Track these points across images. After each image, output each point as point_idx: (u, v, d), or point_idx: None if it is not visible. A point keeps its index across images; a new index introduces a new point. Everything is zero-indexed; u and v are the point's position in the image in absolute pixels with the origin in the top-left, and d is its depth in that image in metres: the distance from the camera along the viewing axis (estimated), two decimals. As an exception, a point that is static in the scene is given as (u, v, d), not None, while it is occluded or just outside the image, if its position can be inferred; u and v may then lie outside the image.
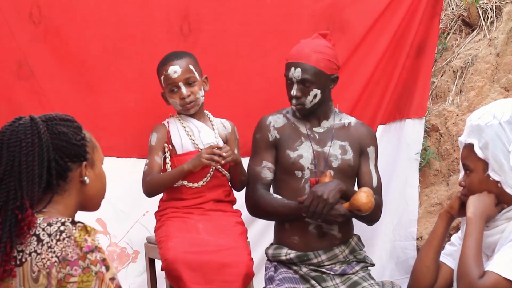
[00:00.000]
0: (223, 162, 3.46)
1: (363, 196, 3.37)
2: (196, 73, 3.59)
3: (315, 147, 3.54)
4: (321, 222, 3.45)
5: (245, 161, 3.86)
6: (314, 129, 3.58)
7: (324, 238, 3.52)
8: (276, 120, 3.60)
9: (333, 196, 3.36)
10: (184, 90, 3.56)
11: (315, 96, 3.50)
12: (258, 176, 3.55)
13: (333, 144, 3.55)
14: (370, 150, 3.61)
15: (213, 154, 3.44)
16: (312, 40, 3.58)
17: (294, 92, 3.49)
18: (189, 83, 3.57)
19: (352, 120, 3.65)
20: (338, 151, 3.54)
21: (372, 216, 3.51)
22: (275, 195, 3.52)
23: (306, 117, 3.59)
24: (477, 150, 2.84)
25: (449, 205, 3.01)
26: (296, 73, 3.48)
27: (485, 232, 2.85)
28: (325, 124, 3.59)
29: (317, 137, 3.56)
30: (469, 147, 2.88)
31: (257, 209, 3.55)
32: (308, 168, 3.51)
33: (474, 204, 2.86)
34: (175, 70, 3.56)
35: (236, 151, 3.65)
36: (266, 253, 3.62)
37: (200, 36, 3.96)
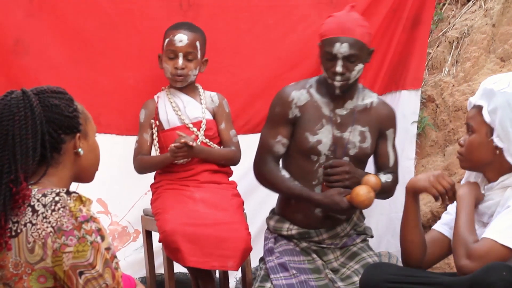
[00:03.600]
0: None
1: (360, 194, 3.30)
2: (199, 51, 3.59)
3: (335, 132, 3.43)
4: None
5: (248, 138, 3.87)
6: (337, 110, 3.45)
7: (328, 220, 3.48)
8: (299, 97, 3.45)
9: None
10: (180, 61, 3.57)
11: (359, 71, 3.40)
12: (271, 149, 3.46)
13: (354, 129, 3.45)
14: (389, 132, 3.52)
15: (180, 147, 3.44)
16: (349, 13, 3.43)
17: (339, 68, 3.34)
18: (188, 58, 3.57)
19: (374, 99, 3.52)
20: (357, 138, 3.45)
21: (388, 193, 3.52)
22: (283, 173, 3.45)
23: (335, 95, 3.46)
24: (484, 113, 2.84)
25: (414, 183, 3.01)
26: (342, 48, 3.33)
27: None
28: (349, 105, 3.47)
29: (339, 120, 3.45)
30: (477, 108, 2.88)
31: (263, 180, 3.51)
32: (324, 154, 3.43)
33: (463, 187, 2.90)
34: (181, 39, 3.57)
35: (223, 125, 3.63)
36: (267, 223, 3.58)
37: (200, 11, 3.90)
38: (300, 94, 3.46)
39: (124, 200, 3.91)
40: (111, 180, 3.82)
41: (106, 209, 3.90)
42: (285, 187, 3.43)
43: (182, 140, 3.43)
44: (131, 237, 3.95)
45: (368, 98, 3.52)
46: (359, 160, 3.47)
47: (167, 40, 3.59)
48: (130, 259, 3.91)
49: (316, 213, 3.45)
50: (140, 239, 3.86)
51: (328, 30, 3.39)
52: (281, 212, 3.56)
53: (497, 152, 2.85)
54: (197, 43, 3.59)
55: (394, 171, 3.54)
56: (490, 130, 2.85)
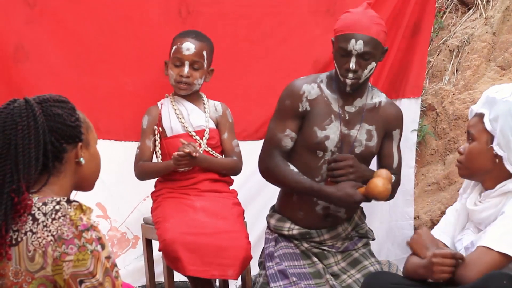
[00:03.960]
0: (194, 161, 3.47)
1: (379, 185, 3.30)
2: (205, 61, 3.60)
3: (343, 128, 3.42)
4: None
5: (245, 145, 3.87)
6: (346, 107, 3.44)
7: (329, 219, 3.47)
8: (310, 91, 3.42)
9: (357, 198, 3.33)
10: (186, 70, 3.58)
11: (371, 69, 3.38)
12: (279, 143, 3.43)
13: (361, 127, 3.44)
14: (395, 132, 3.52)
15: (183, 156, 3.45)
16: (365, 10, 3.40)
17: (352, 65, 3.32)
18: (194, 67, 3.58)
19: (383, 98, 3.52)
20: (364, 136, 3.44)
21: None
22: (291, 167, 3.40)
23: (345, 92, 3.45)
24: (486, 121, 2.85)
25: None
26: (357, 45, 3.31)
27: (478, 207, 2.89)
28: (358, 103, 3.46)
29: (347, 117, 3.44)
30: (479, 116, 2.89)
31: (270, 175, 3.47)
32: (331, 150, 3.41)
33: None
34: (188, 47, 3.58)
35: (226, 135, 3.64)
36: (268, 221, 3.56)
37: (199, 19, 3.94)
38: (311, 88, 3.44)
39: (123, 206, 3.93)
40: (110, 186, 3.83)
41: (105, 213, 3.91)
42: (294, 181, 3.38)
43: (186, 150, 3.43)
44: (130, 243, 3.95)
45: (376, 97, 3.51)
46: (364, 159, 3.47)
47: (174, 47, 3.60)
48: (130, 267, 3.91)
49: (317, 211, 3.44)
50: (140, 246, 3.86)
51: (343, 26, 3.36)
52: (281, 210, 3.54)
53: (497, 160, 2.85)
54: (204, 53, 3.60)
55: (397, 172, 3.54)
56: (491, 138, 2.86)
